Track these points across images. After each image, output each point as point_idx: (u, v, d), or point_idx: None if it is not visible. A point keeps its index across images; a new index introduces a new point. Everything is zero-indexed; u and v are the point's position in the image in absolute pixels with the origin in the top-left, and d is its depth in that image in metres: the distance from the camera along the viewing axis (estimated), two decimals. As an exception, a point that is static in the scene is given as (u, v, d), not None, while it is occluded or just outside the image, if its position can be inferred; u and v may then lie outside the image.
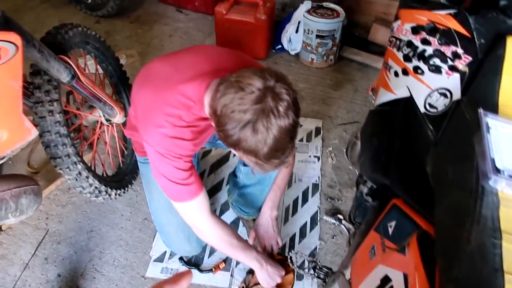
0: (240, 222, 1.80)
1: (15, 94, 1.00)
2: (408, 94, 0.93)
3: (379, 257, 0.77)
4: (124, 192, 1.83)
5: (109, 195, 1.69)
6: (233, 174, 1.64)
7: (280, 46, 2.98)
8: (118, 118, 1.71)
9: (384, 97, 1.05)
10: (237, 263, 1.66)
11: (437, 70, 0.84)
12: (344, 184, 1.98)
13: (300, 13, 2.74)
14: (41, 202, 1.23)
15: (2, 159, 1.13)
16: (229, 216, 1.83)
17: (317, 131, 2.28)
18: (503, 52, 0.67)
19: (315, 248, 1.70)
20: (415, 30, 0.88)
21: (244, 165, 1.50)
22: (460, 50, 0.81)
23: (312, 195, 1.91)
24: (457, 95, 0.81)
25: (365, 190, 1.06)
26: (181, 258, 1.65)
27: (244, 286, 1.53)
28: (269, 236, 1.52)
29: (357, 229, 1.17)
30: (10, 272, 1.63)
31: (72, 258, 1.68)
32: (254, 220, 1.69)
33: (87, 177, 1.53)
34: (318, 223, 1.79)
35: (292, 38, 2.85)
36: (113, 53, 1.93)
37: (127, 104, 1.97)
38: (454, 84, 0.82)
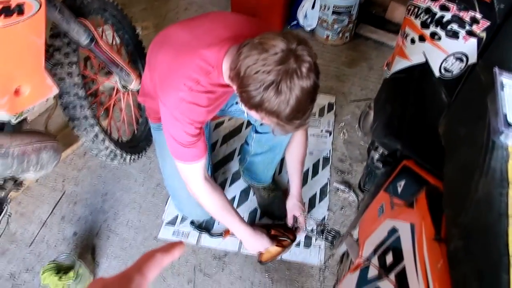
0: (251, 190, 1.84)
1: (38, 50, 1.03)
2: (423, 60, 0.94)
3: (387, 214, 0.79)
4: (138, 158, 1.88)
5: (124, 159, 1.74)
6: (245, 143, 1.66)
7: (295, 22, 2.95)
8: (134, 85, 1.74)
9: (399, 64, 1.05)
10: (247, 229, 1.70)
11: (454, 35, 0.85)
12: (355, 159, 2.00)
13: (317, -12, 2.70)
14: (60, 159, 1.27)
15: (22, 115, 1.17)
16: (240, 184, 1.87)
17: (330, 106, 2.28)
18: (522, 16, 0.68)
19: (324, 218, 1.73)
20: (434, -5, 0.88)
21: (256, 132, 1.52)
22: (478, 15, 0.81)
23: (323, 168, 1.93)
24: (473, 59, 0.82)
25: (376, 156, 1.08)
26: (192, 222, 1.70)
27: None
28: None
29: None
30: (29, 229, 1.70)
31: (88, 218, 1.74)
32: (264, 188, 1.73)
33: (103, 140, 1.57)
34: (328, 195, 1.82)
35: (308, 14, 2.82)
36: (130, 22, 1.94)
37: (142, 72, 1.99)
38: (470, 49, 0.83)
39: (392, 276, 0.61)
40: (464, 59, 0.83)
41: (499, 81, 0.64)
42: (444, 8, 0.88)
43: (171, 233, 1.69)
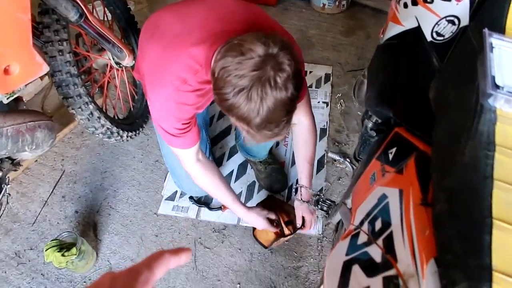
0: (248, 164, 1.85)
1: (24, 27, 1.01)
2: (416, 25, 0.92)
3: (378, 182, 0.79)
4: (135, 135, 1.88)
5: (121, 136, 1.74)
6: None
7: (291, -9, 2.89)
8: (128, 61, 1.72)
9: (392, 30, 1.04)
10: (245, 202, 1.73)
11: (446, -3, 0.83)
12: (352, 129, 1.99)
13: (312, -45, 2.63)
14: (55, 138, 1.28)
15: (14, 94, 1.17)
16: (238, 159, 1.88)
17: (327, 77, 2.26)
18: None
19: (321, 189, 1.74)
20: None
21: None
22: (470, -25, 0.79)
23: (320, 139, 1.93)
24: (465, 21, 0.80)
25: (369, 124, 1.08)
26: (191, 197, 1.72)
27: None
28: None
29: (361, 165, 1.20)
30: (31, 208, 1.72)
31: (88, 196, 1.76)
32: (261, 162, 1.73)
33: (99, 118, 1.57)
34: (325, 166, 1.83)
35: (304, -18, 2.76)
36: (121, -5, 1.90)
37: (135, 48, 1.96)
38: (462, 11, 0.81)
39: (380, 241, 0.61)
40: (456, 21, 0.81)
41: (488, 42, 0.63)
42: (436, -31, 0.85)
43: (170, 208, 1.71)
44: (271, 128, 0.88)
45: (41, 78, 2.09)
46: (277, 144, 1.92)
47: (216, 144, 1.95)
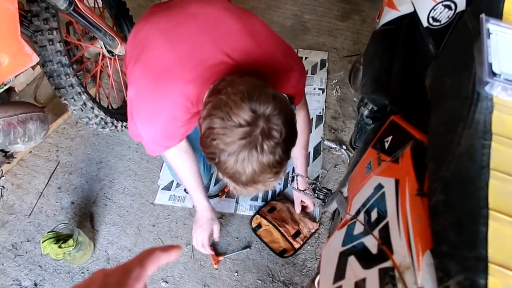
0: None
1: (11, 17, 0.99)
2: (411, 10, 0.90)
3: (374, 170, 0.79)
4: (130, 125, 1.86)
5: (115, 126, 1.72)
6: None
7: (285, -24, 2.84)
8: (120, 49, 1.69)
9: (388, 15, 1.02)
10: (242, 191, 1.72)
11: (443, -19, 0.81)
12: (348, 116, 1.98)
13: None
14: (48, 129, 1.26)
15: (5, 85, 1.15)
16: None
17: (322, 63, 2.24)
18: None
19: (318, 177, 1.74)
20: None
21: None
22: (468, -42, 0.77)
23: (316, 126, 1.92)
24: (461, 6, 0.79)
25: (365, 112, 1.07)
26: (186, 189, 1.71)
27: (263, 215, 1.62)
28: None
29: (357, 153, 1.19)
30: (26, 200, 1.71)
31: (84, 187, 1.75)
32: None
33: (92, 108, 1.55)
34: (321, 153, 1.82)
35: (298, -34, 2.70)
36: (111, -18, 1.86)
37: (128, 35, 1.93)
38: (459, -5, 0.79)
39: (376, 232, 0.61)
40: (453, 6, 0.80)
41: (485, 28, 0.61)
42: (433, -48, 0.83)
43: (167, 198, 1.71)
44: (257, 187, 0.87)
45: (33, 67, 2.06)
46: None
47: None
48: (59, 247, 1.39)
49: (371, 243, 0.60)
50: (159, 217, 1.66)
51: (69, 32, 1.69)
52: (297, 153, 1.43)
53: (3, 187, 1.31)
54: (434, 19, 0.82)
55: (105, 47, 1.70)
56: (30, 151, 1.87)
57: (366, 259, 0.57)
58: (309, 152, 1.83)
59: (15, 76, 1.12)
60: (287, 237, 1.55)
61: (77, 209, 1.69)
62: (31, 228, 1.63)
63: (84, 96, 1.50)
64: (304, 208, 1.61)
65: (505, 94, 0.57)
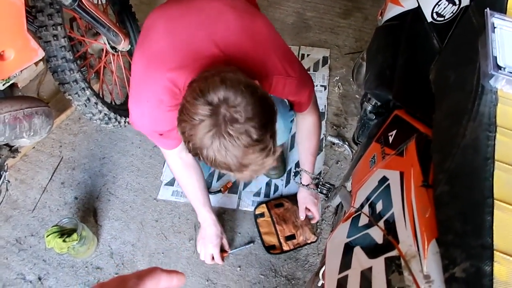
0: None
1: (18, 12, 1.00)
2: (415, 5, 0.91)
3: (378, 164, 0.80)
4: (133, 121, 1.87)
5: (119, 122, 1.73)
6: None
7: (287, -27, 2.84)
8: (123, 45, 1.70)
9: (392, 11, 1.02)
10: (244, 186, 1.73)
11: (447, -24, 0.82)
12: (350, 113, 1.99)
13: None
14: (53, 124, 1.27)
15: (10, 81, 1.16)
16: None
17: (324, 60, 2.24)
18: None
19: (320, 173, 1.75)
20: None
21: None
22: (472, -47, 0.78)
23: (318, 123, 1.93)
24: (465, 1, 0.79)
25: (369, 107, 1.07)
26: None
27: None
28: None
29: (360, 148, 1.20)
30: (30, 195, 1.72)
31: (87, 183, 1.76)
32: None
33: (96, 104, 1.56)
34: (323, 150, 1.83)
35: (300, -36, 2.71)
36: (114, -22, 1.87)
37: (131, 32, 1.94)
38: (463, -10, 0.80)
39: (381, 223, 0.62)
40: (457, 1, 0.80)
41: (490, 22, 0.62)
42: None
43: (170, 193, 1.72)
44: (252, 169, 0.86)
45: (36, 63, 2.06)
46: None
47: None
48: (64, 241, 1.40)
49: (376, 233, 0.61)
50: (162, 213, 1.67)
51: (72, 28, 1.70)
52: (303, 159, 1.42)
53: (9, 181, 1.32)
54: (438, 14, 0.83)
55: (109, 43, 1.71)
56: (34, 147, 1.88)
57: (372, 249, 0.58)
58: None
59: (20, 71, 1.12)
60: (279, 236, 1.56)
61: (80, 204, 1.70)
62: (35, 222, 1.64)
63: (88, 92, 1.51)
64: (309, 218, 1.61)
65: (510, 87, 0.58)
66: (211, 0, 1.07)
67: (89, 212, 1.67)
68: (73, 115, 2.01)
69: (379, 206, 0.67)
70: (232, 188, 1.73)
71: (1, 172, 1.29)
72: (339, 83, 2.12)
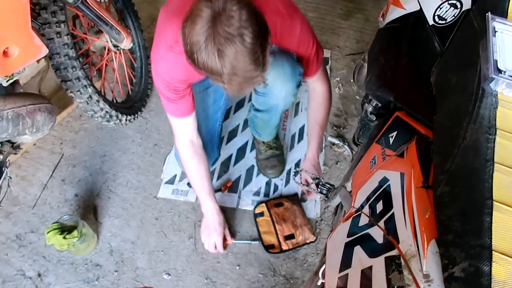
0: (247, 148, 1.86)
1: (23, 9, 1.00)
2: (417, 8, 0.92)
3: (379, 165, 0.81)
4: (134, 119, 1.88)
5: (120, 120, 1.74)
6: (252, 96, 1.64)
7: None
8: (126, 44, 1.71)
9: (393, 13, 1.03)
10: (244, 185, 1.74)
11: (449, -20, 0.83)
12: (350, 113, 2.00)
13: None
14: (55, 121, 1.27)
15: (13, 77, 1.16)
16: (237, 142, 1.89)
17: (325, 61, 2.25)
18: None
19: (320, 173, 1.76)
20: None
21: (254, 90, 1.50)
22: (474, -42, 0.79)
23: (318, 123, 1.94)
24: (467, 5, 0.80)
25: (369, 108, 1.08)
26: (189, 183, 1.72)
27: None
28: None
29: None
30: (31, 192, 1.73)
31: (88, 180, 1.77)
32: (264, 143, 1.74)
33: (98, 101, 1.56)
34: (323, 150, 1.84)
35: (303, -36, 2.72)
36: (116, -24, 1.87)
37: (133, 30, 1.95)
38: (465, -6, 0.81)
39: (381, 223, 0.63)
40: (459, 5, 0.81)
41: (491, 26, 0.63)
42: (439, -48, 0.85)
43: (170, 192, 1.72)
44: (241, 77, 0.89)
45: (38, 60, 2.06)
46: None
47: (214, 128, 1.95)
48: (64, 238, 1.41)
49: (376, 233, 0.62)
50: (162, 211, 1.67)
51: (75, 25, 1.70)
52: (311, 129, 1.45)
53: (10, 178, 1.33)
54: (440, 18, 0.84)
55: (111, 41, 1.72)
56: (34, 144, 1.88)
57: (372, 248, 0.59)
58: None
59: (24, 68, 1.13)
60: (279, 235, 1.57)
61: (80, 201, 1.70)
62: (35, 219, 1.65)
63: (90, 89, 1.51)
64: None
65: (510, 91, 0.59)
66: None
67: (89, 209, 1.68)
68: (74, 112, 2.01)
69: (379, 206, 0.68)
70: (232, 187, 1.74)
71: (3, 169, 1.29)
72: (340, 84, 2.13)
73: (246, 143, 1.88)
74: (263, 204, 1.65)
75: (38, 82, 2.08)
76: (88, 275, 1.50)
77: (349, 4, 2.66)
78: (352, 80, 2.01)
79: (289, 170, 1.79)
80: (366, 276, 0.55)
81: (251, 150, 1.86)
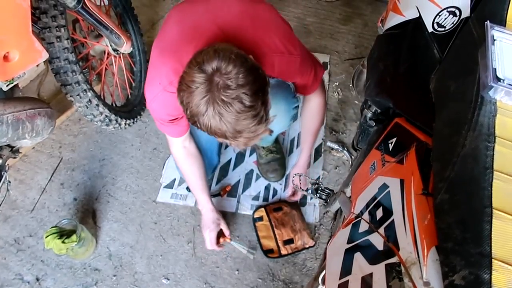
0: (247, 152, 1.86)
1: (24, 14, 1.01)
2: (416, 15, 0.93)
3: (378, 171, 0.81)
4: (133, 123, 1.88)
5: (119, 124, 1.74)
6: None
7: (288, -22, 2.86)
8: (125, 48, 1.71)
9: (393, 20, 1.04)
10: (243, 190, 1.74)
11: (448, -12, 0.83)
12: (349, 118, 2.01)
13: None
14: (55, 125, 1.27)
15: (13, 82, 1.16)
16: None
17: (324, 66, 2.26)
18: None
19: (318, 178, 1.76)
20: None
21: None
22: (472, -33, 0.79)
23: (317, 128, 1.94)
24: (466, 13, 0.81)
25: (369, 114, 1.09)
26: (188, 188, 1.72)
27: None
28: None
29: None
30: (29, 195, 1.73)
31: (87, 184, 1.77)
32: (264, 148, 1.74)
33: (97, 105, 1.56)
34: (322, 155, 1.85)
35: (302, -31, 2.73)
36: (116, -20, 1.88)
37: (133, 34, 1.95)
38: (464, 2, 0.82)
39: (381, 230, 0.63)
40: (458, 13, 0.82)
41: (490, 34, 0.64)
42: (438, -40, 0.86)
43: (169, 196, 1.72)
44: (247, 136, 0.91)
45: (37, 64, 2.07)
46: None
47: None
48: (63, 242, 1.40)
49: (376, 240, 0.62)
50: (161, 215, 1.67)
51: (75, 30, 1.71)
52: (303, 138, 1.52)
53: (9, 182, 1.32)
54: (439, 25, 0.85)
55: (111, 45, 1.72)
56: (33, 147, 1.88)
57: (372, 255, 0.59)
58: (310, 153, 1.85)
59: (24, 73, 1.13)
60: (278, 240, 1.57)
61: (79, 205, 1.70)
62: (33, 223, 1.64)
63: (89, 93, 1.52)
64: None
65: (508, 99, 0.59)
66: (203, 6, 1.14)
67: (88, 213, 1.67)
68: (73, 116, 2.02)
69: (379, 213, 0.68)
70: (231, 191, 1.74)
71: (2, 173, 1.29)
72: (339, 89, 2.14)
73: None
74: (262, 209, 1.65)
75: (37, 85, 2.08)
76: (86, 280, 1.50)
77: (348, 9, 2.67)
78: (351, 85, 2.02)
79: (289, 175, 1.79)
80: (366, 283, 0.56)
81: (250, 154, 1.86)
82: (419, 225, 0.55)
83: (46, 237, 1.42)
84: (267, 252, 1.55)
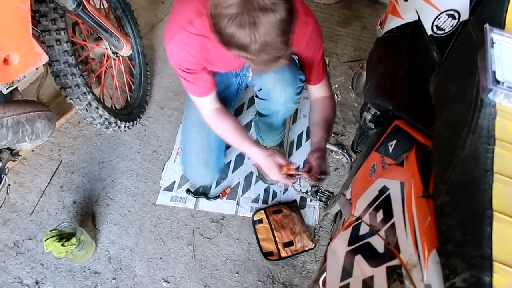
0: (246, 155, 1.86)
1: (24, 17, 1.01)
2: (416, 18, 0.93)
3: (378, 174, 0.81)
4: (133, 125, 1.88)
5: (119, 127, 1.74)
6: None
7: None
8: (125, 51, 1.72)
9: (392, 23, 1.04)
10: (243, 192, 1.74)
11: (447, -10, 0.84)
12: (348, 120, 2.01)
13: None
14: (54, 128, 1.27)
15: (13, 85, 1.16)
16: (236, 149, 1.89)
17: (324, 68, 2.26)
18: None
19: (318, 180, 1.76)
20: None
21: (256, 96, 1.50)
22: (471, -31, 0.80)
23: (317, 130, 1.94)
24: (465, 15, 0.81)
25: (368, 117, 1.09)
26: (188, 190, 1.72)
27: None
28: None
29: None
30: (28, 198, 1.72)
31: (86, 187, 1.76)
32: (266, 147, 1.74)
33: (97, 108, 1.56)
34: (322, 157, 1.84)
35: (301, -28, 2.74)
36: (116, -17, 1.88)
37: (132, 37, 1.95)
38: (463, 5, 0.82)
39: (382, 232, 0.63)
40: (457, 15, 0.82)
41: (489, 37, 0.64)
42: (437, -37, 0.86)
43: (169, 199, 1.72)
44: (269, 51, 0.89)
45: (36, 67, 2.07)
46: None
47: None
48: (62, 245, 1.40)
49: (377, 242, 0.62)
50: (160, 218, 1.67)
51: (75, 32, 1.71)
52: (313, 125, 1.39)
53: (9, 185, 1.32)
54: (438, 28, 0.85)
55: (110, 48, 1.72)
56: (33, 150, 1.88)
57: (373, 257, 0.59)
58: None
59: (24, 76, 1.13)
60: (277, 243, 1.57)
61: (79, 208, 1.70)
62: (33, 226, 1.64)
63: (89, 96, 1.52)
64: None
65: (508, 101, 0.60)
66: None
67: (87, 216, 1.67)
68: (73, 118, 2.02)
69: (379, 215, 0.68)
70: (231, 194, 1.74)
71: (2, 176, 1.29)
72: (338, 91, 2.14)
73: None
74: (262, 211, 1.65)
75: (37, 88, 2.09)
76: (86, 283, 1.50)
77: (347, 12, 2.68)
78: (350, 88, 2.02)
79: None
80: (367, 285, 0.56)
81: (250, 156, 1.86)
82: (419, 228, 0.55)
83: (45, 240, 1.42)
84: (267, 255, 1.55)
